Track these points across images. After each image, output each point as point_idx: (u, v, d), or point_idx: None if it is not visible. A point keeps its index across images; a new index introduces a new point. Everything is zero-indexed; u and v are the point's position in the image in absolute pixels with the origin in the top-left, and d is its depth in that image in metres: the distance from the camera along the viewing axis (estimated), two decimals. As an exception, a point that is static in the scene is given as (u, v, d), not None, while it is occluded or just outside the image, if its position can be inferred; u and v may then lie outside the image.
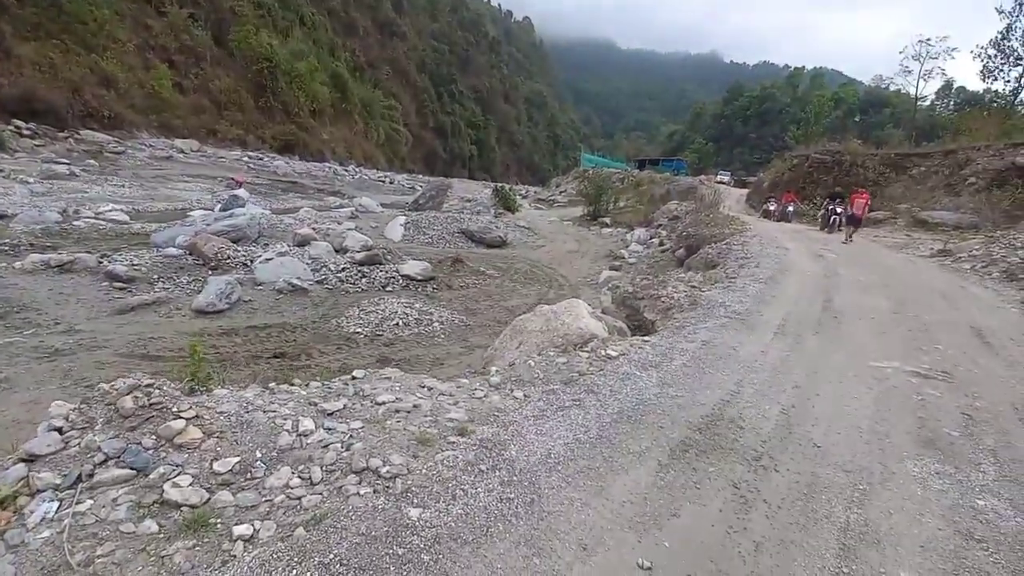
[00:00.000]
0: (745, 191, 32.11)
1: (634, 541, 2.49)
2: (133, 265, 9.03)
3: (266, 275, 9.33)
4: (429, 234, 15.43)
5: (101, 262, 8.93)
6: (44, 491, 2.42)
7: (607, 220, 21.64)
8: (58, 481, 2.46)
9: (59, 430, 2.73)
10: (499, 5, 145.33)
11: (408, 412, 3.41)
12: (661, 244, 15.14)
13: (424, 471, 2.80)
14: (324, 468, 2.75)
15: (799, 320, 6.28)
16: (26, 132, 23.69)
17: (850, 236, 13.82)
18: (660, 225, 17.52)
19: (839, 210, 16.36)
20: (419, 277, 10.38)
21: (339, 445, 2.94)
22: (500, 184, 26.94)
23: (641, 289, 7.55)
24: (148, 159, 26.60)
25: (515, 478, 2.84)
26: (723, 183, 39.42)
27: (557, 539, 2.44)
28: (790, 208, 20.44)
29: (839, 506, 2.86)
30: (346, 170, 43.94)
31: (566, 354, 4.75)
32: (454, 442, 3.11)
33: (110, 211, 13.65)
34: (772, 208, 21.42)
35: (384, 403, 3.49)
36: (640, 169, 47.32)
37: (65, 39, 29.78)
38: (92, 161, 22.80)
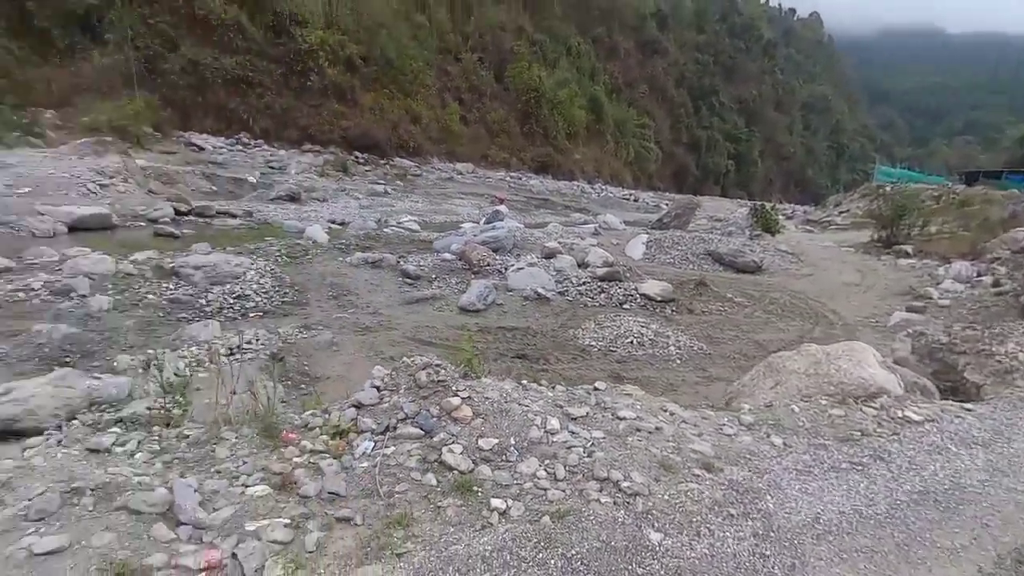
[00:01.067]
0: None
1: (944, 667, 1.90)
2: (419, 266, 11.15)
3: (517, 283, 10.40)
4: (671, 254, 14.88)
5: (399, 262, 11.31)
6: (365, 432, 3.15)
7: (907, 248, 17.08)
8: (375, 427, 3.17)
9: (377, 388, 3.53)
10: (779, 4, 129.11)
11: (650, 433, 3.32)
12: (996, 284, 11.33)
13: (666, 497, 2.68)
14: (567, 468, 2.89)
15: None
16: (360, 161, 32.25)
17: None
18: (996, 259, 13.13)
19: None
20: (658, 297, 10.09)
21: (581, 450, 3.04)
22: (759, 202, 24.16)
23: (961, 341, 5.74)
24: (436, 180, 32.95)
25: (772, 534, 2.48)
26: None
27: (826, 624, 2.03)
28: None
29: None
30: (592, 188, 45.94)
31: (843, 406, 3.93)
32: (699, 475, 2.90)
33: (407, 221, 17.36)
34: None
35: (625, 418, 3.47)
36: (969, 184, 36.09)
37: (391, 88, 38.99)
38: (399, 182, 29.50)
